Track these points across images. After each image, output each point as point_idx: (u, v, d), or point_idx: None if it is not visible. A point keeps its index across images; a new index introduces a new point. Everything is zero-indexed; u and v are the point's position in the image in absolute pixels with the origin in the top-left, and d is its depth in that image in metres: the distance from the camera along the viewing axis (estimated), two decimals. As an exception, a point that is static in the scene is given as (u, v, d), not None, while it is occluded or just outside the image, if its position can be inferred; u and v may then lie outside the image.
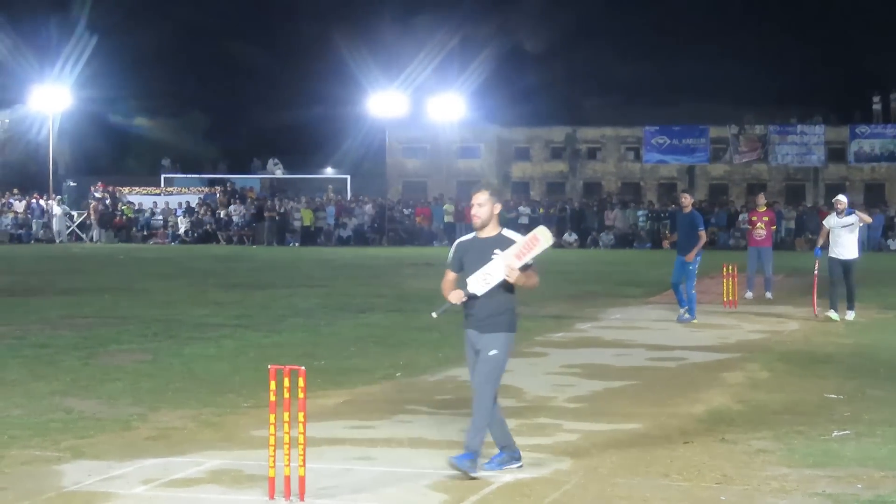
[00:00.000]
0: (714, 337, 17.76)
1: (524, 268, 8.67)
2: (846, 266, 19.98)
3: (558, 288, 24.67)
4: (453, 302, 8.80)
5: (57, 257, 40.99)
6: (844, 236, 19.97)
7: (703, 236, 20.09)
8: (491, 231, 8.84)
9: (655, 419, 10.91)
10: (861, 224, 20.34)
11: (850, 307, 20.12)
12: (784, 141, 64.85)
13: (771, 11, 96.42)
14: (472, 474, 8.53)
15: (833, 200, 20.95)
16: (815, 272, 20.85)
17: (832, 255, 20.05)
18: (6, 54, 69.72)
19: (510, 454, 8.85)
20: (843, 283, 19.97)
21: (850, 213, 20.01)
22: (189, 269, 34.28)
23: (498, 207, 8.87)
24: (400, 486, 8.38)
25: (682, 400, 12.02)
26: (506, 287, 8.70)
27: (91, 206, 57.19)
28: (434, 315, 9.11)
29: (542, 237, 8.74)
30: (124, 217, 58.14)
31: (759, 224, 25.03)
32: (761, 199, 26.26)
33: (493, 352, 8.67)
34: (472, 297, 8.73)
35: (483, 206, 8.80)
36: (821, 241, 20.64)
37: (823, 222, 20.84)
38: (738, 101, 72.45)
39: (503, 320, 8.73)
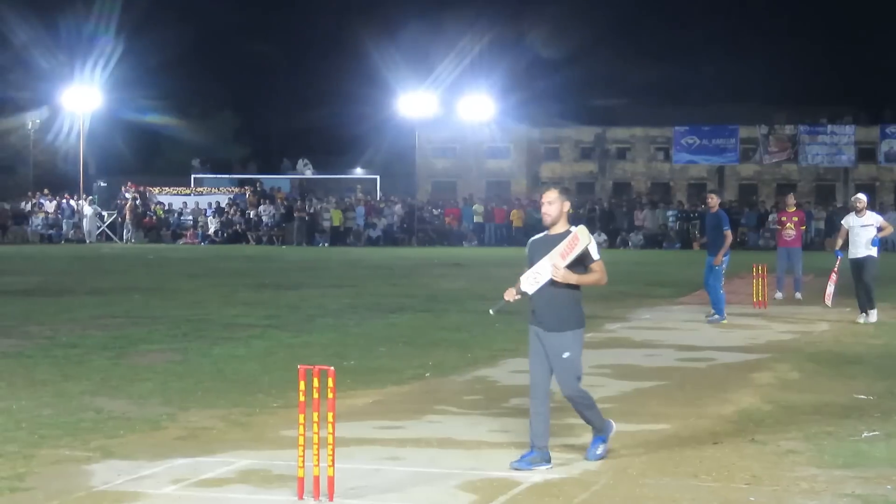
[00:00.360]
0: (743, 337, 17.69)
1: (582, 263, 8.91)
2: (858, 264, 19.58)
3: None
4: (507, 299, 9.06)
5: (87, 257, 41.16)
6: (864, 236, 19.65)
7: (729, 236, 20.02)
8: (560, 228, 9.06)
9: (685, 420, 10.90)
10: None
11: (871, 307, 19.71)
12: (814, 141, 64.59)
13: (801, 11, 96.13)
14: (608, 436, 9.23)
15: (852, 199, 20.76)
16: (835, 270, 20.72)
17: (850, 255, 19.73)
18: (36, 56, 70.22)
19: (541, 454, 8.88)
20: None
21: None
22: (218, 269, 34.38)
23: (567, 205, 9.10)
24: (429, 487, 8.39)
25: (711, 400, 11.99)
26: (568, 284, 8.83)
27: (126, 206, 57.35)
28: (491, 312, 9.56)
29: (582, 235, 8.95)
30: (154, 217, 58.32)
31: (788, 224, 24.89)
32: (791, 199, 26.12)
33: (566, 354, 8.94)
34: (525, 295, 8.95)
35: (553, 203, 9.03)
36: (839, 242, 20.34)
37: (842, 222, 20.55)
38: (767, 101, 72.24)
39: (567, 317, 8.99)
